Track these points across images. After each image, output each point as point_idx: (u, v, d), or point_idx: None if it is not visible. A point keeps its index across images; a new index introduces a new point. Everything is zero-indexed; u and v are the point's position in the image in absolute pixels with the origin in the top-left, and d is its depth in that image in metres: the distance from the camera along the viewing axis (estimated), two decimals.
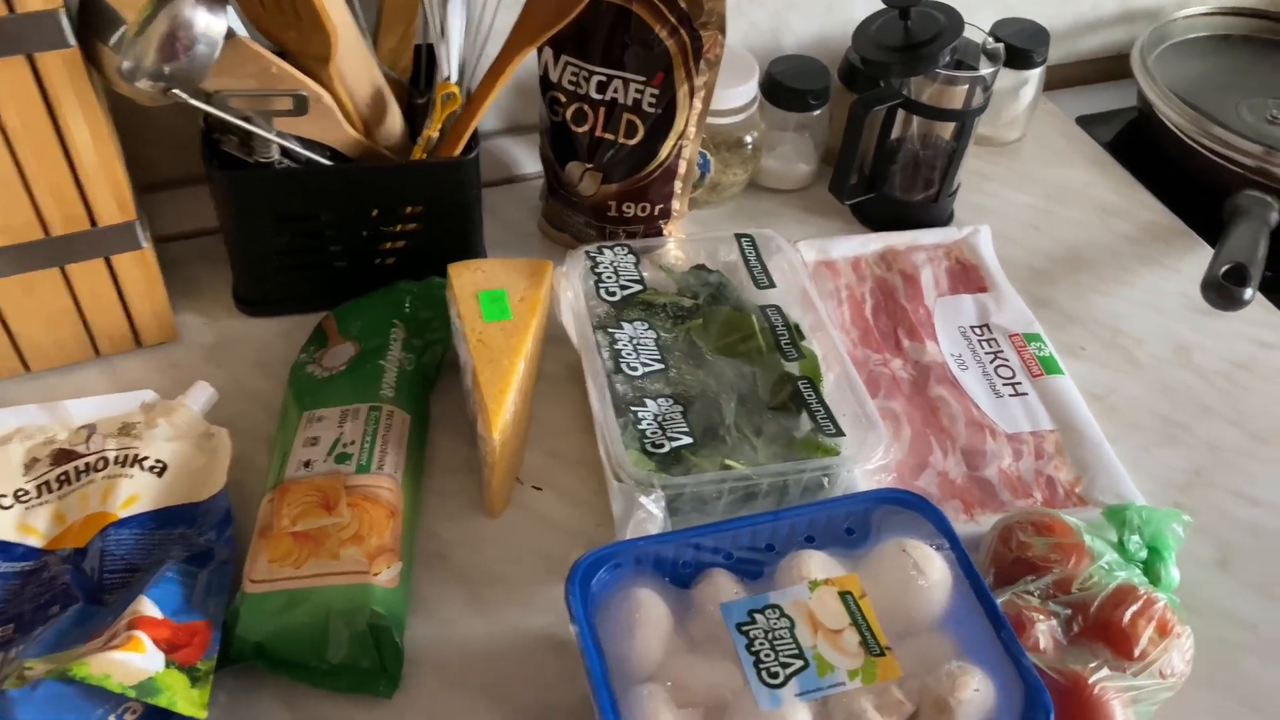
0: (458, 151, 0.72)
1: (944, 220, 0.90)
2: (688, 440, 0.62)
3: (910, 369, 0.77)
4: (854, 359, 0.78)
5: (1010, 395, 0.75)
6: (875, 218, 0.89)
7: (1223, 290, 0.77)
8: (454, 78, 0.72)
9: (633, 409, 0.63)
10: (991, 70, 0.82)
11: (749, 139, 0.87)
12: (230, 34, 0.60)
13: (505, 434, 0.63)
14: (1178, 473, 0.73)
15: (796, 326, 0.70)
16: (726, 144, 0.86)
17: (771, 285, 0.73)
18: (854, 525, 0.57)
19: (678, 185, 0.79)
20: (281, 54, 0.65)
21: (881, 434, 0.63)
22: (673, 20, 0.70)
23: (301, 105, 0.65)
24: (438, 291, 0.73)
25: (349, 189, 0.72)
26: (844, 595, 0.53)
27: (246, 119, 0.66)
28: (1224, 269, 0.79)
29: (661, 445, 0.61)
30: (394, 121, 0.73)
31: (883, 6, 0.80)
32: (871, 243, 0.86)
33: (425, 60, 0.76)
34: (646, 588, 0.54)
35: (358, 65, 0.68)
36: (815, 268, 0.84)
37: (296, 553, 0.59)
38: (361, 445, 0.64)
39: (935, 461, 0.71)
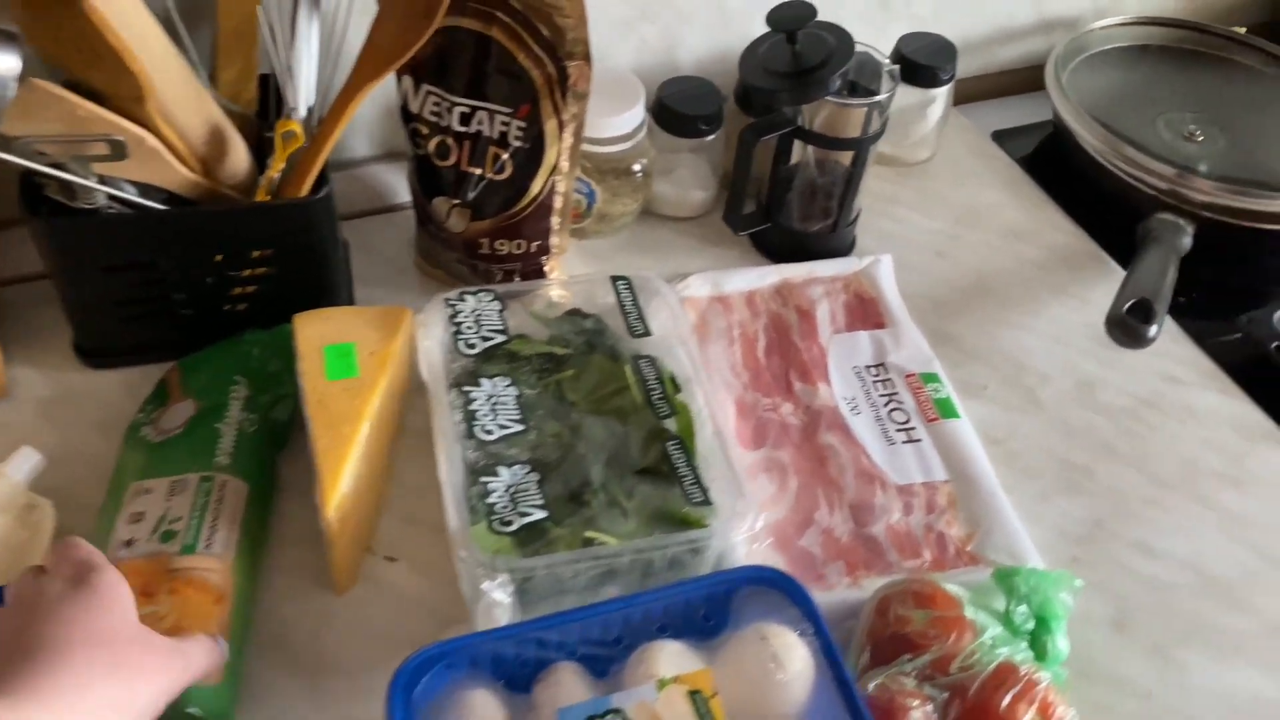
0: (304, 191, 0.66)
1: (845, 249, 0.86)
2: (540, 515, 0.57)
3: (801, 414, 0.73)
4: (743, 404, 0.73)
5: (903, 442, 0.72)
6: (773, 248, 0.85)
7: (1127, 328, 0.74)
8: (301, 111, 0.67)
9: (483, 479, 0.58)
10: (887, 94, 0.78)
11: (638, 167, 0.82)
12: (23, 75, 0.54)
13: (344, 509, 0.58)
14: (1076, 523, 0.70)
15: (672, 378, 0.66)
16: (614, 172, 0.81)
17: (647, 333, 0.68)
18: (711, 611, 0.53)
19: (555, 220, 0.74)
20: (95, 95, 0.59)
21: (750, 503, 0.58)
22: (536, 49, 0.65)
23: (119, 150, 0.59)
24: (288, 340, 0.68)
25: (187, 234, 0.66)
26: (693, 695, 0.49)
27: (58, 165, 0.60)
28: (1128, 304, 0.75)
29: (510, 522, 0.56)
30: (238, 159, 0.67)
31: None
32: (768, 275, 0.82)
33: (275, 91, 0.70)
34: (482, 690, 0.50)
35: (187, 101, 0.63)
36: (709, 304, 0.80)
37: None
38: (189, 522, 0.58)
39: (821, 518, 0.67)
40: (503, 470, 0.59)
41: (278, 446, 0.67)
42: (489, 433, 0.60)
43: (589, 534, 0.58)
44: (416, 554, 0.64)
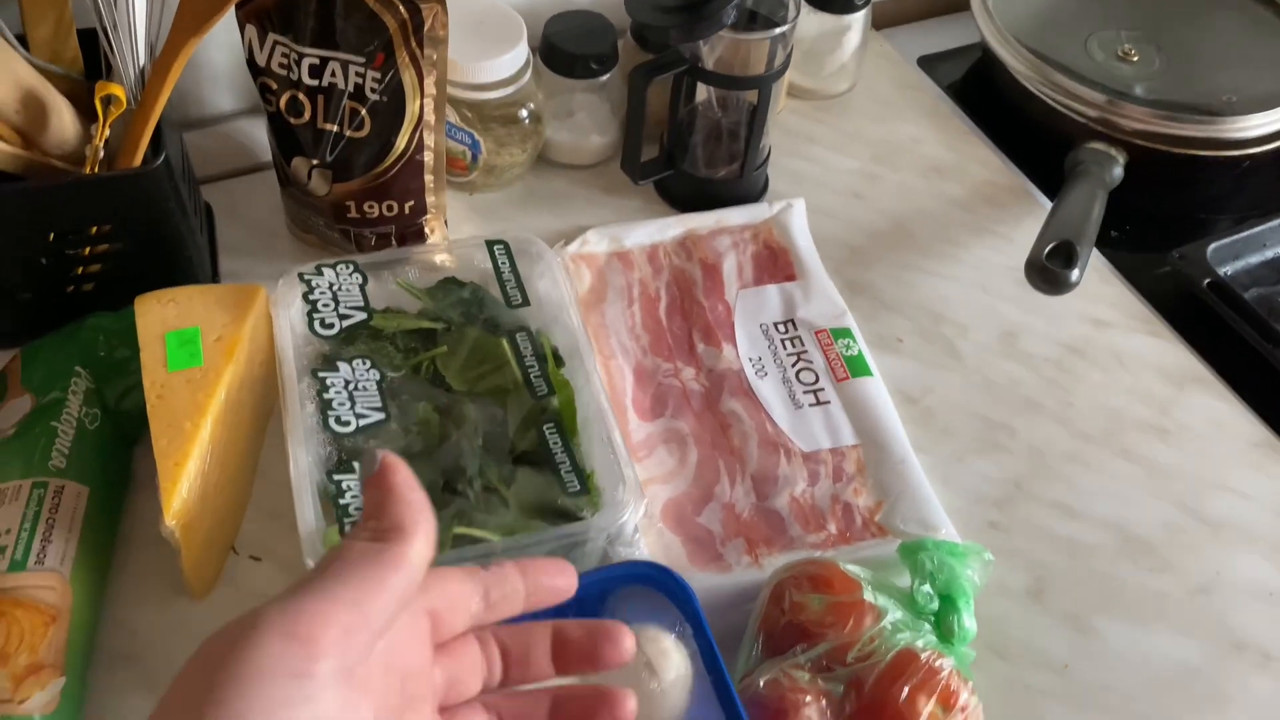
0: (137, 160, 0.60)
1: (755, 195, 0.80)
2: None
3: (703, 379, 0.69)
4: (642, 370, 0.68)
5: (811, 405, 0.67)
6: (678, 196, 0.79)
7: (1047, 273, 0.69)
8: (131, 71, 0.60)
9: (336, 477, 0.53)
10: (790, 25, 0.71)
11: (524, 113, 0.75)
12: None
13: (189, 513, 0.53)
14: (994, 485, 0.66)
15: (555, 352, 0.61)
16: (499, 120, 0.75)
17: (526, 303, 0.63)
18: (580, 616, 0.49)
19: (428, 179, 0.68)
20: None
21: (632, 490, 0.54)
22: None
23: None
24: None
25: (10, 213, 0.60)
26: None
27: None
28: (1049, 247, 0.70)
29: None
30: (63, 126, 0.60)
31: None
32: (672, 227, 0.76)
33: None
34: None
35: None
36: (607, 260, 0.74)
37: None
38: (19, 535, 0.53)
39: (721, 492, 0.63)
40: (357, 466, 0.54)
41: (129, 441, 0.62)
42: (345, 424, 0.55)
43: (459, 529, 0.53)
44: (283, 552, 0.59)
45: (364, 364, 0.58)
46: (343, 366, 0.58)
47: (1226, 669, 0.59)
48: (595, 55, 0.76)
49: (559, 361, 0.60)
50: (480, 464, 0.56)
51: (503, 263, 0.64)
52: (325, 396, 0.56)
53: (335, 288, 0.61)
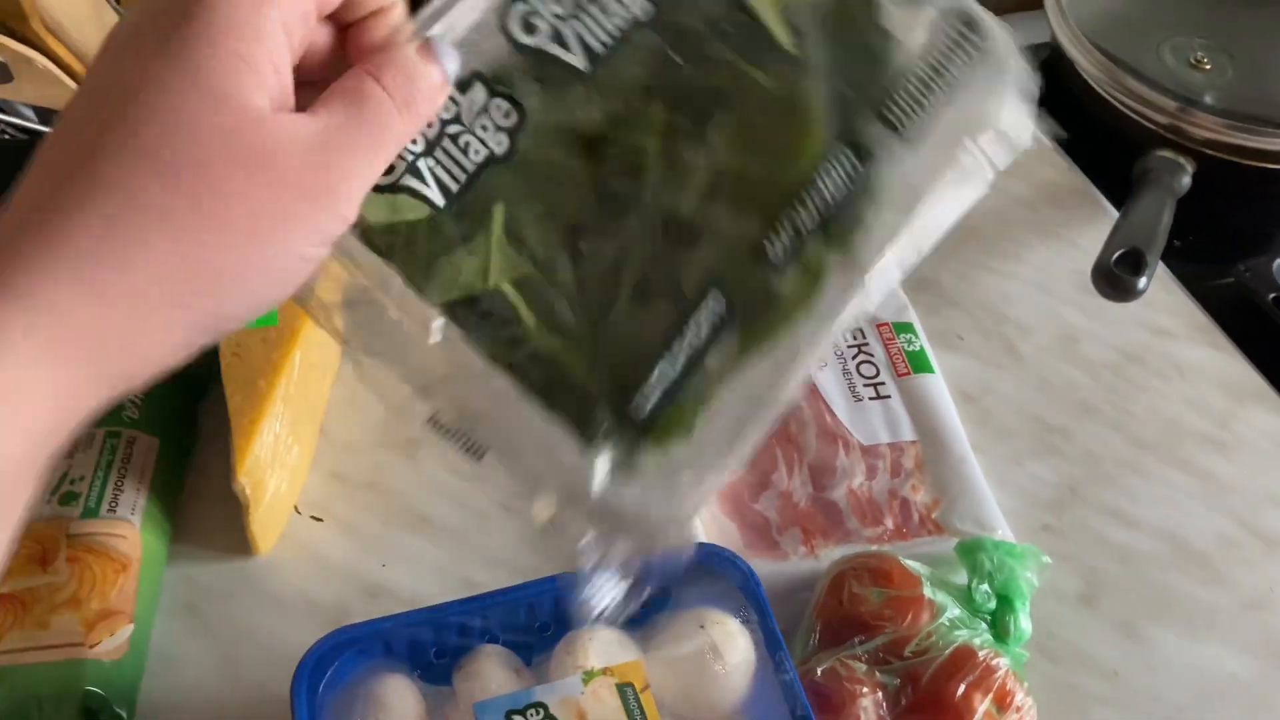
0: None
1: None
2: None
3: None
4: None
5: (871, 398, 0.67)
6: None
7: (1114, 279, 0.69)
8: None
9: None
10: None
11: None
12: None
13: (259, 472, 0.54)
14: (1050, 488, 0.66)
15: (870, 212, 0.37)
16: None
17: None
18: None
19: None
20: None
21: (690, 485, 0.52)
22: None
23: (2, 72, 0.53)
24: None
25: None
26: (623, 689, 0.45)
27: None
28: (1117, 254, 0.70)
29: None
30: None
31: None
32: None
33: None
34: (397, 678, 0.46)
35: (82, 16, 0.56)
36: None
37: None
38: (92, 482, 0.54)
39: (779, 480, 0.63)
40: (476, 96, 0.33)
41: (197, 396, 0.62)
42: (531, 30, 0.34)
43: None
44: (343, 514, 0.60)
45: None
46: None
47: (1277, 684, 0.59)
48: None
49: (856, 224, 0.36)
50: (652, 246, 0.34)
51: None
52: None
53: None
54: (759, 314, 0.35)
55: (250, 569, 0.57)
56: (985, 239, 0.79)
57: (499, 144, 0.34)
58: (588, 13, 0.35)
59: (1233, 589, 0.62)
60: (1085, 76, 0.85)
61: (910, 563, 0.55)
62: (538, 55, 0.34)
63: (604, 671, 0.46)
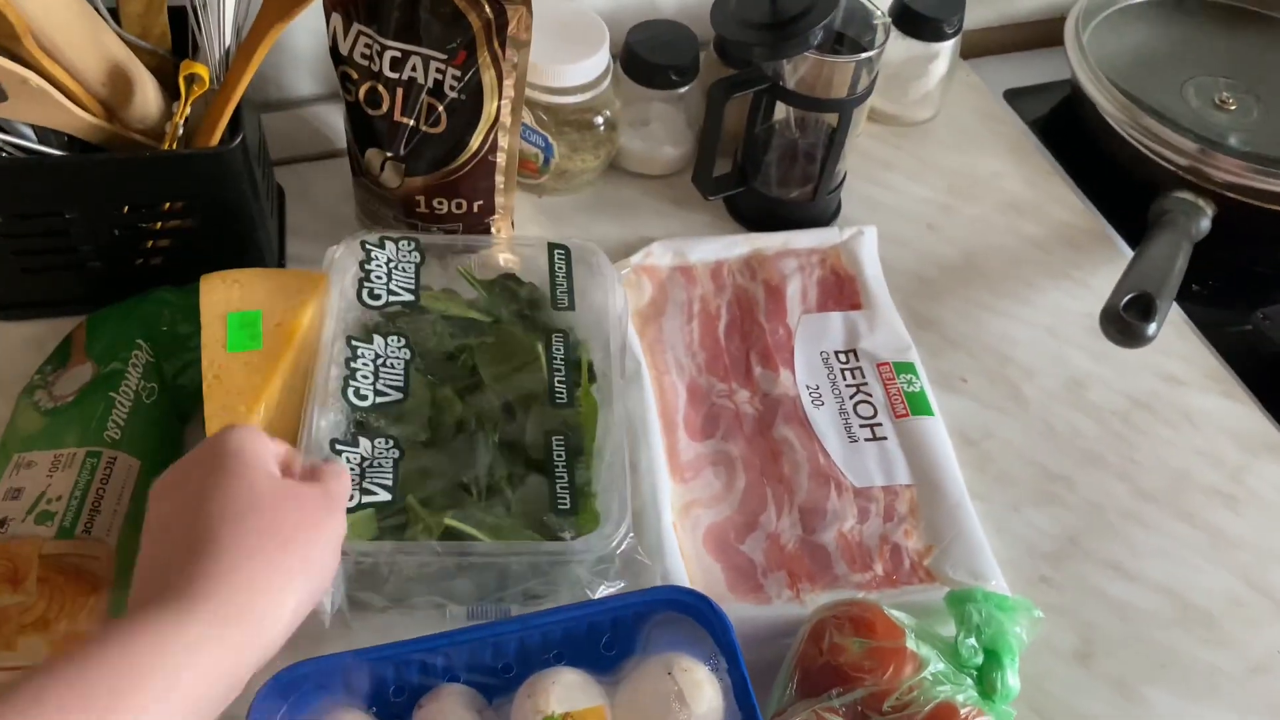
0: (215, 139, 0.60)
1: (827, 218, 0.79)
2: (382, 497, 0.52)
3: (757, 403, 0.67)
4: (695, 389, 0.68)
5: (867, 439, 0.66)
6: (748, 214, 0.78)
7: (1123, 325, 0.67)
8: (216, 51, 0.60)
9: (339, 447, 0.53)
10: (877, 51, 0.70)
11: (600, 120, 0.75)
12: None
13: None
14: (1049, 539, 0.64)
15: (590, 366, 0.60)
16: (574, 124, 0.74)
17: (570, 307, 0.62)
18: (616, 637, 0.48)
19: (499, 179, 0.67)
20: None
21: (620, 522, 0.52)
22: None
23: None
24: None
25: (89, 183, 0.61)
26: None
27: None
28: (1127, 298, 0.68)
29: (350, 498, 0.51)
30: (147, 101, 0.61)
31: None
32: (739, 245, 0.75)
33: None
34: (355, 714, 0.45)
35: (80, 37, 0.56)
36: (670, 274, 0.73)
37: None
38: (69, 502, 0.54)
39: (767, 521, 0.62)
40: (364, 442, 0.54)
41: (182, 418, 0.62)
42: (363, 398, 0.55)
43: (451, 521, 0.52)
44: None
45: (398, 341, 0.58)
46: (377, 340, 0.58)
47: None
48: (676, 67, 0.75)
49: (591, 377, 0.60)
50: (491, 462, 0.55)
51: (560, 267, 0.63)
52: (352, 365, 0.56)
53: (392, 264, 0.61)
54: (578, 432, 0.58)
55: None
56: (993, 279, 0.77)
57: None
58: (386, 367, 0.57)
59: (1237, 650, 0.60)
60: (1104, 115, 0.83)
61: (895, 612, 0.53)
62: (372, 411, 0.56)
63: (565, 716, 0.44)
